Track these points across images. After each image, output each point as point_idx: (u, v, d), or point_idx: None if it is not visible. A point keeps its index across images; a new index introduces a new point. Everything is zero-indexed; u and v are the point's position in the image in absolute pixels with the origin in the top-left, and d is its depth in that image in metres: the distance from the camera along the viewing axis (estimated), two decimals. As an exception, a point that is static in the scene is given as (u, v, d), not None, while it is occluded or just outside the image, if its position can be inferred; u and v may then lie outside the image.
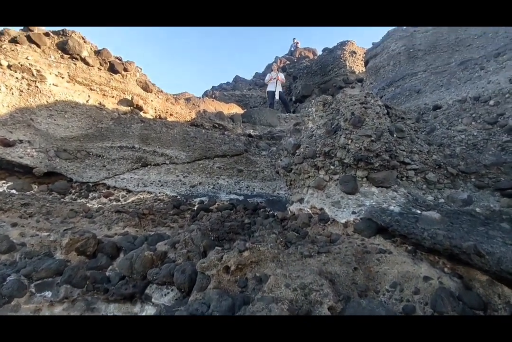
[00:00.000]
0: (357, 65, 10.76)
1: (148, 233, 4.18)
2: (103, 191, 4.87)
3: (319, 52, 16.83)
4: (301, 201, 2.71)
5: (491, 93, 3.27)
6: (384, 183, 2.27)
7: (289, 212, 2.85)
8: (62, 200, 4.64)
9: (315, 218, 2.42)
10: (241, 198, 4.78)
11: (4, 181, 4.53)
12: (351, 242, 1.96)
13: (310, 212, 2.54)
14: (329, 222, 2.31)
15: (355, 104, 2.53)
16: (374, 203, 2.17)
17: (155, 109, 6.24)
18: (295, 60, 15.57)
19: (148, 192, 4.84)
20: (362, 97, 2.59)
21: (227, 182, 5.19)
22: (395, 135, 2.43)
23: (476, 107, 3.32)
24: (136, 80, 5.80)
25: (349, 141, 2.34)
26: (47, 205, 4.44)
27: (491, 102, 3.20)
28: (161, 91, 6.58)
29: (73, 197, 4.75)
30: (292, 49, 18.73)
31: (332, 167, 2.49)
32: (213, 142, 5.43)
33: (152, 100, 6.12)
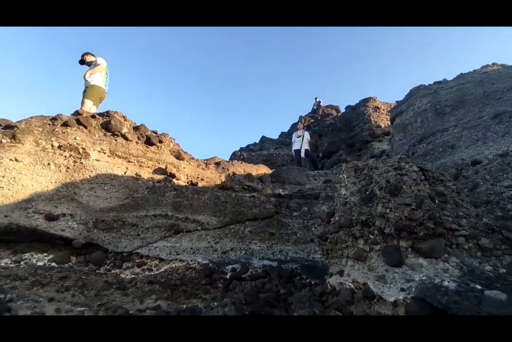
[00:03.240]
0: (382, 120, 10.96)
1: (180, 306, 3.99)
2: (137, 261, 4.86)
3: (342, 109, 17.53)
4: (340, 273, 2.51)
5: (533, 145, 3.11)
6: (432, 253, 2.08)
7: (329, 286, 2.63)
8: (97, 271, 4.66)
9: (359, 294, 2.19)
10: (274, 264, 4.56)
11: (45, 254, 4.69)
12: None
13: (352, 286, 2.32)
14: (375, 300, 2.08)
15: (389, 171, 2.48)
16: (424, 278, 1.95)
17: (187, 176, 6.50)
18: (319, 118, 16.21)
19: (180, 260, 4.76)
20: (396, 163, 2.55)
21: (259, 246, 5.03)
22: (437, 201, 2.30)
23: (520, 160, 3.14)
24: (169, 150, 6.20)
25: (388, 210, 2.23)
26: (83, 277, 4.46)
27: (535, 155, 3.02)
28: (193, 158, 6.94)
29: (108, 267, 4.76)
30: (314, 107, 19.68)
31: (371, 236, 2.35)
32: (243, 206, 5.44)
33: (184, 167, 6.43)
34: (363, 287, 2.20)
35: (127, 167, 5.50)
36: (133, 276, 4.66)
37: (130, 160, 5.57)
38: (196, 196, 5.32)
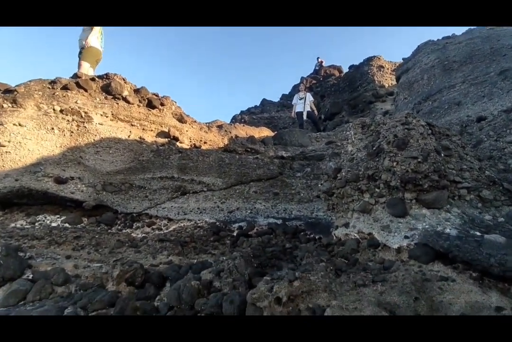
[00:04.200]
0: (386, 79, 10.65)
1: (191, 260, 4.23)
2: (146, 221, 5.05)
3: (345, 69, 16.91)
4: (346, 225, 2.63)
5: (539, 100, 3.08)
6: (435, 204, 2.16)
7: (334, 237, 2.78)
8: (109, 231, 4.87)
9: (364, 243, 2.33)
10: (279, 221, 4.74)
11: (58, 215, 4.86)
12: (407, 269, 1.85)
13: (357, 237, 2.46)
14: (379, 248, 2.21)
15: (396, 126, 2.49)
16: (427, 226, 2.06)
17: (190, 139, 6.51)
18: (321, 79, 15.72)
19: (188, 220, 4.95)
20: (403, 118, 2.55)
21: (264, 206, 5.19)
22: (442, 154, 2.34)
23: (524, 115, 3.13)
24: (172, 113, 6.13)
25: (394, 163, 2.28)
26: (96, 236, 4.67)
27: (541, 109, 3.00)
28: (195, 121, 6.88)
29: (119, 227, 4.96)
30: (316, 68, 18.95)
31: (377, 190, 2.42)
32: (247, 167, 5.51)
33: (187, 131, 6.40)
34: (368, 236, 2.34)
35: (130, 131, 5.49)
36: (143, 235, 4.88)
37: (133, 124, 5.53)
38: (201, 158, 5.37)
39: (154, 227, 4.98)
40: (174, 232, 4.75)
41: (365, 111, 11.00)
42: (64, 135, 4.80)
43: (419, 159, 2.17)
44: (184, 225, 4.89)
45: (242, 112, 16.97)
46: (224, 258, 4.13)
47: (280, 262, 3.55)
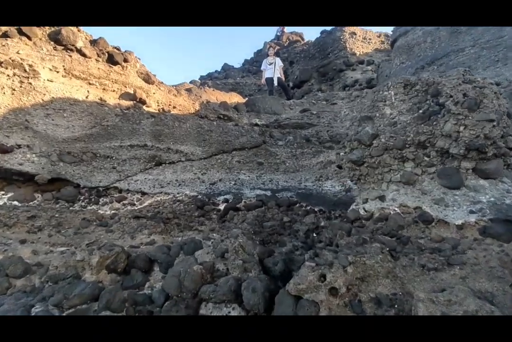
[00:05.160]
0: (357, 47, 10.37)
1: (175, 238, 3.77)
2: (115, 195, 4.40)
3: (306, 37, 16.36)
4: (381, 198, 2.34)
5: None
6: (494, 174, 1.94)
7: (363, 211, 2.48)
8: (71, 208, 4.16)
9: (409, 218, 2.06)
10: (268, 193, 4.40)
11: (3, 192, 4.01)
12: (486, 249, 1.62)
13: (398, 211, 2.18)
14: (433, 223, 1.96)
15: (460, 84, 2.14)
16: (492, 199, 1.84)
17: (158, 103, 5.73)
18: (285, 45, 15.02)
19: (166, 193, 4.40)
20: (461, 76, 2.21)
21: (248, 176, 4.79)
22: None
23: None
24: (137, 72, 5.26)
25: (461, 128, 1.97)
26: (56, 215, 3.96)
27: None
28: (162, 83, 6.06)
29: (83, 204, 4.27)
30: (278, 34, 18.10)
31: (426, 159, 2.14)
32: (229, 135, 5.00)
33: (154, 93, 5.60)
34: (414, 211, 2.08)
35: (88, 91, 4.59)
36: (113, 211, 4.25)
37: (91, 82, 4.63)
38: (177, 124, 4.72)
39: (125, 202, 4.36)
40: (151, 208, 4.20)
41: (334, 79, 10.73)
42: (4, 93, 3.83)
43: (494, 123, 1.89)
44: (161, 199, 4.34)
45: (202, 77, 15.81)
46: (214, 235, 3.75)
47: (282, 237, 3.25)
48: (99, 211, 4.23)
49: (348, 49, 10.17)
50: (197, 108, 6.39)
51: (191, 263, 2.51)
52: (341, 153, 2.83)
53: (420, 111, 2.24)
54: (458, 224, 1.86)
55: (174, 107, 5.98)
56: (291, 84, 11.52)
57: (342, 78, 10.53)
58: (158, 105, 5.75)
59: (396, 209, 2.19)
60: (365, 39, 10.75)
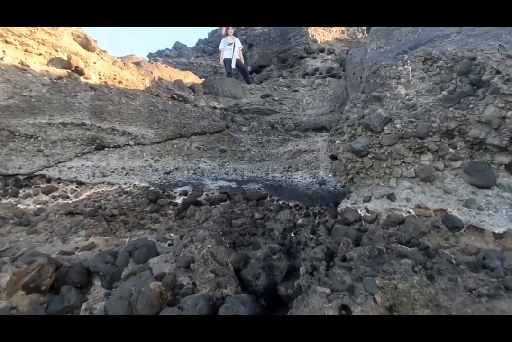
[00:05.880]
0: (319, 34, 10.09)
1: (122, 240, 3.08)
2: (42, 186, 3.52)
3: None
4: (390, 197, 1.94)
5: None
6: None
7: (365, 212, 2.06)
8: (-22, 202, 3.20)
9: (427, 222, 1.69)
10: (233, 184, 3.87)
11: None
12: None
13: (413, 213, 1.80)
14: (462, 230, 1.60)
15: (504, 59, 1.76)
16: None
17: (99, 74, 4.78)
18: (243, 27, 14.27)
19: (109, 183, 3.63)
20: (496, 51, 1.84)
21: (210, 165, 4.20)
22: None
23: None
24: (72, 34, 4.27)
25: (509, 113, 1.61)
26: (-45, 211, 3.00)
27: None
28: (105, 52, 5.09)
29: (-4, 196, 3.33)
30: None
31: (451, 150, 1.77)
32: (188, 116, 4.32)
33: (95, 63, 4.64)
34: (434, 214, 1.71)
35: (4, 51, 3.56)
36: (38, 206, 3.39)
37: (7, 40, 3.59)
38: (124, 100, 3.90)
39: (55, 194, 3.50)
40: (90, 201, 3.41)
41: (295, 66, 10.39)
42: None
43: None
44: (103, 190, 3.56)
45: (151, 55, 14.40)
46: (172, 234, 3.12)
47: (256, 238, 2.77)
48: (19, 205, 3.33)
49: (309, 35, 9.84)
50: (147, 85, 5.53)
51: (146, 278, 1.91)
52: (337, 141, 2.38)
53: (444, 92, 1.88)
54: (498, 233, 1.54)
55: (119, 82, 5.06)
56: (249, 68, 10.93)
57: (303, 66, 10.22)
58: (99, 78, 4.80)
59: (411, 210, 1.82)
60: (326, 27, 10.50)
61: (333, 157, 2.43)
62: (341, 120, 2.45)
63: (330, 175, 3.82)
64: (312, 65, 10.14)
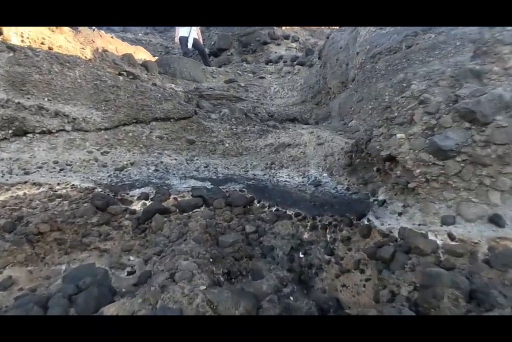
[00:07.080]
0: (284, 18, 9.47)
1: (56, 268, 2.13)
2: None
3: None
4: (494, 219, 1.31)
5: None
6: None
7: (447, 240, 1.40)
8: None
9: None
10: (207, 185, 3.07)
11: None
12: None
13: None
14: None
15: None
16: None
17: (22, 36, 3.61)
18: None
19: (35, 184, 2.62)
20: None
21: (176, 159, 3.35)
22: None
23: None
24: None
25: None
26: None
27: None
28: (30, 6, 3.84)
29: None
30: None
31: None
32: (147, 97, 3.36)
33: (14, 18, 3.42)
34: None
35: None
36: None
37: None
38: (57, 69, 2.82)
39: None
40: (4, 210, 2.36)
41: (257, 52, 9.68)
42: None
43: None
44: (25, 194, 2.53)
45: (90, 27, 12.50)
46: (132, 258, 2.24)
47: (255, 262, 2.05)
48: None
49: (274, 19, 9.16)
50: (88, 56, 4.41)
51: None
52: (399, 135, 1.69)
53: None
54: None
55: (49, 48, 3.89)
56: (207, 50, 9.94)
57: (266, 52, 9.56)
58: (22, 41, 3.61)
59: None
60: (290, 12, 9.95)
61: (388, 158, 1.77)
62: (397, 105, 1.80)
63: (325, 175, 3.23)
64: (275, 52, 9.52)
